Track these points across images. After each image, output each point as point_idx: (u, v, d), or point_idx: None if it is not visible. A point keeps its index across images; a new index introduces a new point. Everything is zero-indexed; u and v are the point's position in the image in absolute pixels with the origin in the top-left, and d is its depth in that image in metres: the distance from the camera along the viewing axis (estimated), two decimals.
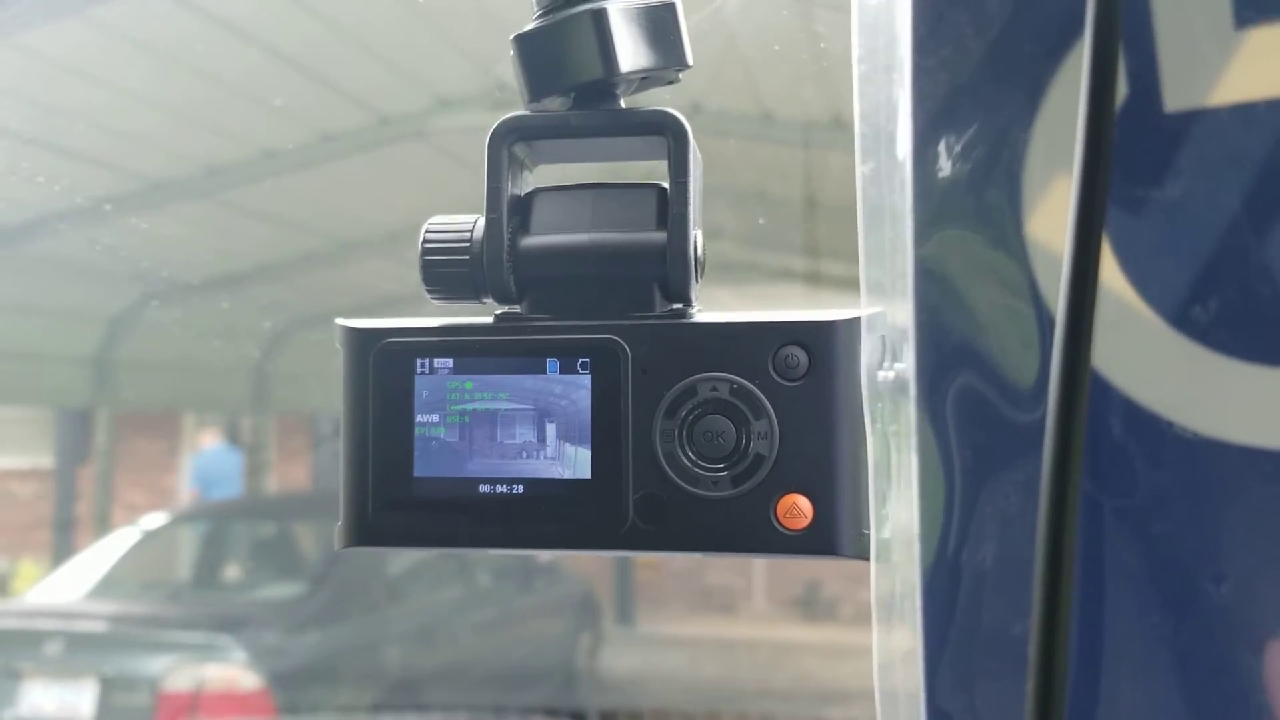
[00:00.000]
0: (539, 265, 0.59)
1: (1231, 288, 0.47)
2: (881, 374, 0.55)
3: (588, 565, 6.78)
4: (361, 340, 0.60)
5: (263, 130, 4.18)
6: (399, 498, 0.59)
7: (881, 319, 0.55)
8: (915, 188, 0.51)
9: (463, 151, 3.99)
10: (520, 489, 0.58)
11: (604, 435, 0.57)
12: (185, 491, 8.99)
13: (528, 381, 0.58)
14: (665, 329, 0.57)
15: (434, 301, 0.62)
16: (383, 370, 0.59)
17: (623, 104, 0.60)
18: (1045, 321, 0.49)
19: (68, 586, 4.89)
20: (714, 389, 0.56)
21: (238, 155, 4.29)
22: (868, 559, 0.55)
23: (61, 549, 7.55)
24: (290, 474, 9.07)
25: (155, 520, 5.82)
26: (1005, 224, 0.50)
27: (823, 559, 0.56)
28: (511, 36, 0.59)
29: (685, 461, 0.56)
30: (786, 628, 7.95)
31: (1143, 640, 0.48)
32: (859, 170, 0.54)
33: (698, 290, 0.59)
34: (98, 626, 4.26)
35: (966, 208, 0.51)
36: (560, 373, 0.58)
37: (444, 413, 0.59)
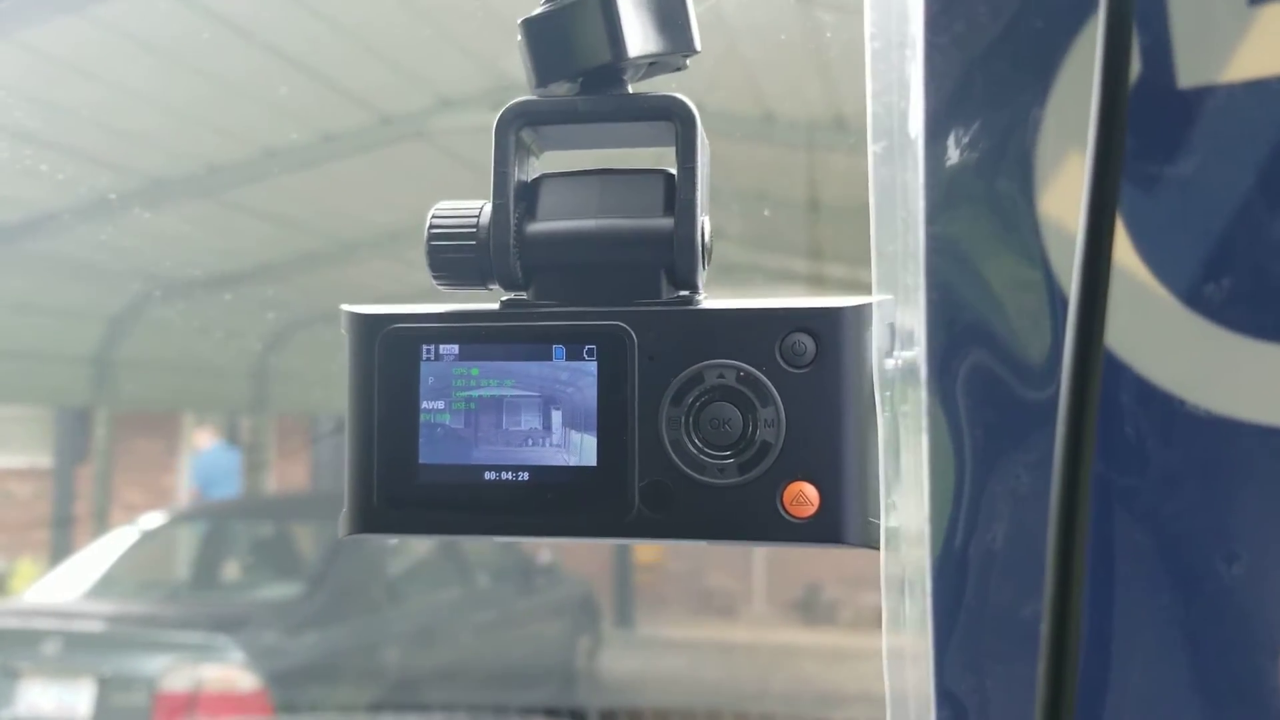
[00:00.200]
0: (546, 251, 0.59)
1: (1245, 265, 0.47)
2: (889, 361, 0.55)
3: (587, 567, 6.79)
4: (367, 326, 0.60)
5: (264, 129, 4.18)
6: (404, 485, 0.59)
7: (890, 306, 0.55)
8: (927, 165, 0.51)
9: (465, 151, 3.99)
10: (526, 476, 0.57)
11: (610, 422, 0.57)
12: (186, 490, 9.00)
13: (534, 368, 0.58)
14: (672, 315, 0.57)
15: (440, 288, 0.61)
16: (388, 356, 0.59)
17: (630, 90, 0.60)
18: (1057, 299, 0.49)
19: (66, 586, 4.89)
20: (721, 376, 0.56)
21: (239, 154, 4.29)
22: (875, 547, 0.55)
23: (60, 548, 7.55)
24: (289, 474, 9.07)
25: (153, 520, 5.82)
26: (1018, 201, 0.50)
27: (830, 547, 0.55)
28: (519, 20, 0.59)
29: (692, 449, 0.56)
30: (786, 631, 7.95)
31: (1154, 620, 0.48)
32: (870, 149, 0.54)
33: (705, 277, 0.59)
34: (96, 626, 4.26)
35: (979, 186, 0.50)
36: (566, 359, 0.57)
37: (449, 399, 0.58)
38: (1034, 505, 0.49)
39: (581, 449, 0.57)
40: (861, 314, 0.55)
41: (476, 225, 0.59)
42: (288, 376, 6.72)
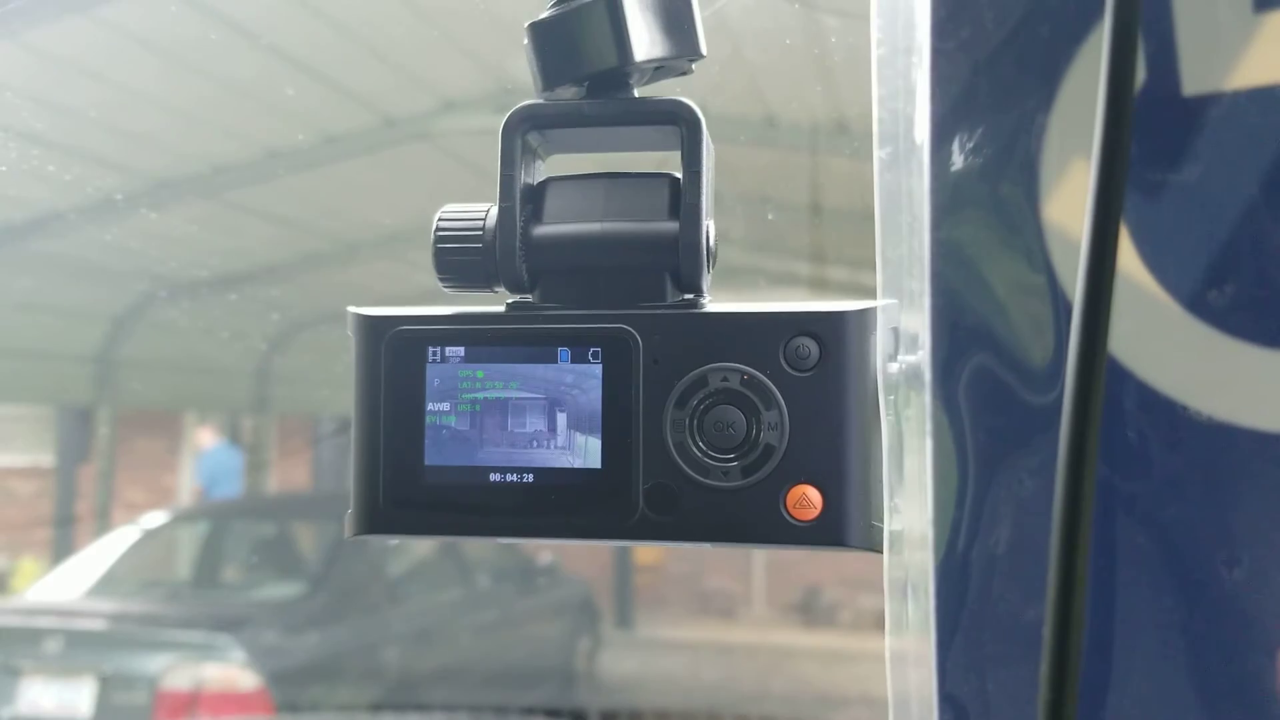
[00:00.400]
0: (551, 254, 0.59)
1: (1248, 273, 0.47)
2: (893, 365, 0.55)
3: (587, 569, 6.78)
4: (374, 328, 0.60)
5: (268, 131, 4.18)
6: (410, 486, 0.59)
7: (894, 310, 0.55)
8: (933, 171, 0.51)
9: (468, 153, 3.99)
10: (531, 478, 0.58)
11: (615, 425, 0.57)
12: (190, 489, 9.01)
13: (539, 370, 0.58)
14: (677, 319, 0.57)
15: (446, 290, 0.61)
16: (394, 358, 0.59)
17: (636, 94, 0.60)
18: (1061, 305, 0.49)
19: (67, 584, 4.89)
20: (725, 379, 0.56)
21: (243, 155, 4.29)
22: (877, 550, 0.55)
23: (62, 547, 7.55)
24: (290, 474, 9.07)
25: (155, 519, 5.82)
26: (1023, 208, 0.50)
27: (833, 550, 0.55)
28: (526, 24, 0.59)
29: (695, 451, 0.56)
30: (785, 633, 7.95)
31: (1155, 623, 0.48)
32: (876, 155, 0.54)
33: (709, 280, 0.59)
34: (97, 625, 4.26)
35: (984, 192, 0.51)
36: (571, 362, 0.58)
37: (455, 401, 0.59)
38: (1037, 509, 0.49)
39: (586, 451, 0.57)
40: (865, 318, 0.55)
41: (483, 228, 0.59)
42: (289, 377, 6.72)
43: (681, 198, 0.58)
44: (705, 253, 0.58)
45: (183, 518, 6.24)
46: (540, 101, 0.60)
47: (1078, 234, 0.44)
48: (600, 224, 0.59)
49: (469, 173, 4.12)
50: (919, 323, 0.53)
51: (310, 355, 5.90)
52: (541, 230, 0.59)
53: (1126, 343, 0.48)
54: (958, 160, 0.51)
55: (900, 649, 0.54)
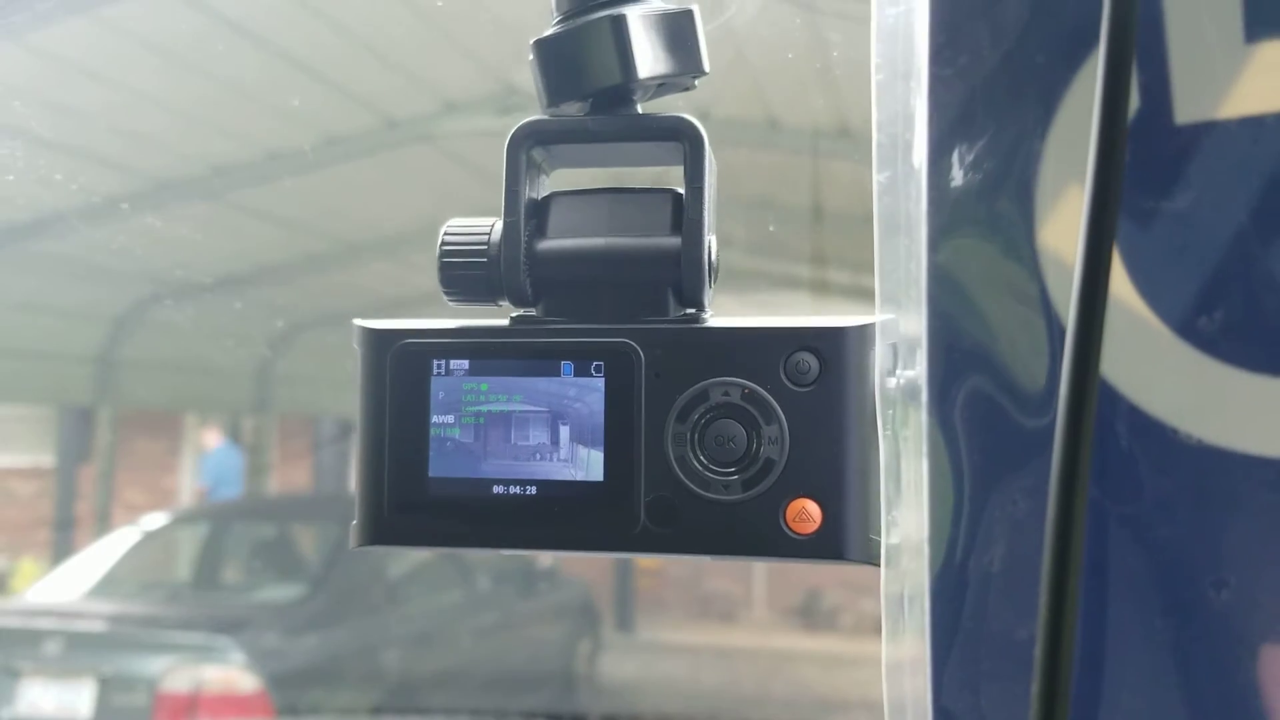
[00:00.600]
0: (555, 268, 0.60)
1: (1238, 299, 0.48)
2: (891, 380, 0.55)
3: (588, 571, 6.77)
4: (379, 341, 0.61)
5: (269, 132, 4.18)
6: (414, 497, 0.59)
7: (893, 326, 0.56)
8: (930, 195, 0.52)
9: (469, 155, 4.00)
10: (534, 490, 0.58)
11: (617, 438, 0.57)
12: (194, 488, 9.01)
13: (542, 384, 0.58)
14: (679, 333, 0.58)
15: (451, 303, 0.62)
16: (399, 371, 0.60)
17: (639, 109, 0.61)
18: (1055, 329, 0.50)
19: (67, 586, 4.89)
20: (726, 393, 0.57)
21: (244, 156, 4.29)
22: (876, 564, 0.55)
23: (62, 548, 7.55)
24: (291, 476, 9.06)
25: (155, 520, 5.81)
26: (1017, 233, 0.51)
27: (831, 564, 0.56)
28: (531, 41, 0.59)
29: (696, 465, 0.57)
30: (786, 636, 7.94)
31: (1145, 643, 0.49)
32: (875, 179, 0.55)
33: (711, 295, 0.60)
34: (97, 626, 4.25)
35: (980, 216, 0.52)
36: (574, 375, 0.58)
37: (459, 414, 0.59)
38: (1031, 529, 0.50)
39: (588, 464, 0.58)
40: (865, 334, 0.56)
41: (488, 242, 0.60)
42: (291, 378, 6.72)
43: (684, 213, 0.58)
44: (707, 268, 0.58)
45: (183, 519, 6.23)
46: (545, 117, 0.60)
47: (1072, 259, 0.45)
48: (604, 239, 0.59)
49: (470, 174, 4.12)
50: (917, 334, 0.53)
51: (311, 356, 5.90)
52: (545, 245, 0.60)
53: (1119, 366, 0.49)
54: (955, 185, 0.52)
55: (896, 662, 0.55)
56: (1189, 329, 0.48)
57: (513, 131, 0.60)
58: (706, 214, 0.58)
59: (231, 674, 3.84)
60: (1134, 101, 0.49)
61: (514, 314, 0.61)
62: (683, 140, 0.59)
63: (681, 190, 0.59)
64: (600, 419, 0.58)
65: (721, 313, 0.60)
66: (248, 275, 5.24)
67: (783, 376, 0.56)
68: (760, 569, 8.76)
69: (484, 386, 0.59)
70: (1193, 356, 0.48)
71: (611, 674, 6.22)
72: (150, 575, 5.22)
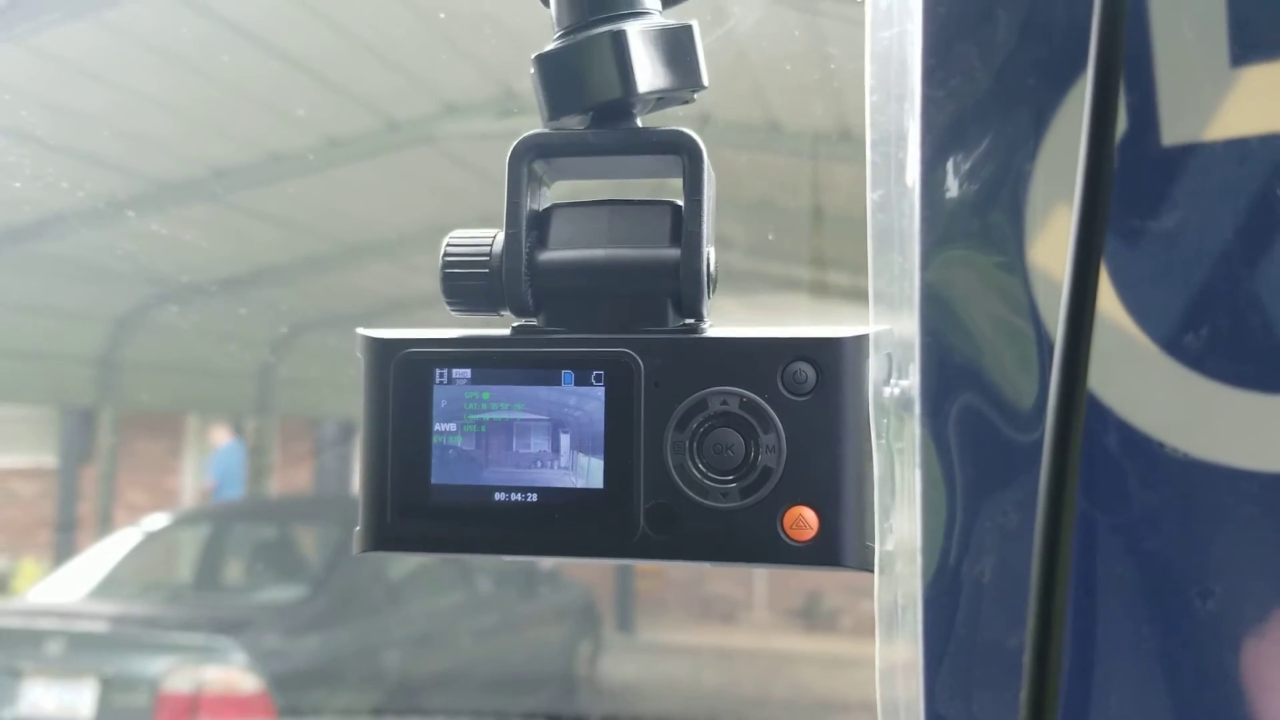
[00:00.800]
0: (556, 279, 0.60)
1: (1223, 316, 0.49)
2: (887, 390, 0.56)
3: (588, 573, 6.76)
4: (382, 350, 0.61)
5: (270, 134, 4.18)
6: (416, 504, 0.60)
7: (888, 336, 0.56)
8: (922, 214, 0.53)
9: (470, 157, 4.00)
10: (534, 498, 0.59)
11: (616, 446, 0.58)
12: (202, 486, 9.02)
13: (543, 392, 0.59)
14: (678, 343, 0.59)
15: (453, 313, 0.63)
16: (402, 379, 0.61)
17: (639, 123, 0.62)
18: (1044, 345, 0.51)
19: (69, 586, 4.88)
20: (724, 403, 0.57)
21: (245, 158, 4.29)
22: (871, 571, 0.56)
23: (63, 549, 7.54)
24: (293, 478, 9.06)
25: (157, 521, 5.81)
26: (1008, 250, 0.52)
27: (828, 570, 0.57)
28: (532, 56, 0.60)
29: (695, 473, 0.58)
30: (786, 638, 7.93)
31: (1132, 651, 0.50)
32: (869, 196, 0.56)
33: (709, 305, 0.60)
34: (98, 627, 4.25)
35: (971, 233, 0.52)
36: (575, 384, 0.59)
37: (461, 422, 0.60)
38: (1022, 541, 0.50)
39: (589, 472, 0.59)
40: (860, 344, 0.57)
41: (489, 253, 0.61)
42: (292, 379, 6.72)
43: (683, 225, 0.59)
44: (705, 279, 0.59)
45: (184, 520, 6.22)
46: (546, 130, 0.61)
47: (1060, 277, 0.46)
48: (604, 250, 0.60)
49: (471, 176, 4.12)
50: (911, 344, 0.54)
51: (312, 358, 5.90)
52: (547, 256, 0.60)
53: (1107, 382, 0.50)
54: (947, 203, 0.53)
55: (890, 666, 0.55)
56: (1175, 345, 0.49)
57: (514, 145, 0.60)
58: (705, 226, 0.59)
59: (233, 675, 3.84)
60: (1122, 123, 0.50)
61: (515, 324, 0.62)
62: (682, 153, 0.59)
63: (680, 201, 0.60)
64: (600, 427, 0.58)
65: (722, 313, 0.61)
66: (249, 276, 5.23)
67: (780, 386, 0.57)
68: (761, 570, 8.74)
69: (486, 395, 0.60)
70: (1179, 372, 0.49)
71: (612, 675, 6.22)
72: (152, 576, 5.22)
